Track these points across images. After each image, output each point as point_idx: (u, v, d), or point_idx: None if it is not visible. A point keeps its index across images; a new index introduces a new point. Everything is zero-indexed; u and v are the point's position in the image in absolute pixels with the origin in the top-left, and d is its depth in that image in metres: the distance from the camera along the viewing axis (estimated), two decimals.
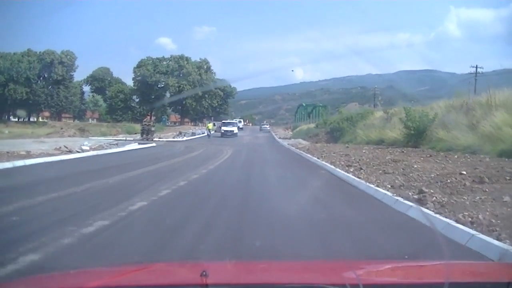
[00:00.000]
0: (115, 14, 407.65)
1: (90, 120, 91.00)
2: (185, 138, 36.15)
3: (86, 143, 22.76)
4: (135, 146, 24.15)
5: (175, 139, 35.55)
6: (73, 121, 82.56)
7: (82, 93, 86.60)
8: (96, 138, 33.07)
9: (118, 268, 2.59)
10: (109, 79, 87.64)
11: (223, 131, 40.18)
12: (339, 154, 17.12)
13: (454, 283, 1.61)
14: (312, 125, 47.42)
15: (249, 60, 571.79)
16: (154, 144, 26.56)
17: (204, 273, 1.57)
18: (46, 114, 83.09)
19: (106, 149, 21.04)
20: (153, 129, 32.36)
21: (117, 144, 25.15)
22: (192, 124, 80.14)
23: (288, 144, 29.23)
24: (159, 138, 34.65)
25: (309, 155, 18.37)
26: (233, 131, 40.32)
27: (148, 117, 33.80)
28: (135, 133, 40.37)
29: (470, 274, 2.08)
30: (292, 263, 2.98)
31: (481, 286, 1.81)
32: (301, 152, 20.74)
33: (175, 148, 23.73)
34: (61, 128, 41.61)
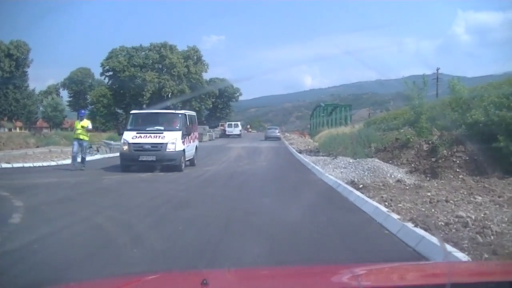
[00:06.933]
0: (120, 23, 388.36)
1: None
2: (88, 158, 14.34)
3: None
4: None
5: (61, 162, 13.95)
6: (27, 130, 59.41)
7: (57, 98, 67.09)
8: None
9: (117, 279, 2.23)
10: (90, 81, 68.02)
11: (133, 149, 11.61)
12: None
13: (456, 284, 1.47)
14: (349, 127, 25.01)
15: (258, 69, 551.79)
16: None
17: (205, 282, 1.45)
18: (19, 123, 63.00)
19: None
20: None
21: None
22: None
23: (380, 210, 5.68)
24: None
25: None
26: (168, 151, 11.59)
27: None
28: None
29: (472, 274, 1.95)
30: (293, 268, 2.63)
31: (483, 286, 1.63)
32: None
33: None
34: None
